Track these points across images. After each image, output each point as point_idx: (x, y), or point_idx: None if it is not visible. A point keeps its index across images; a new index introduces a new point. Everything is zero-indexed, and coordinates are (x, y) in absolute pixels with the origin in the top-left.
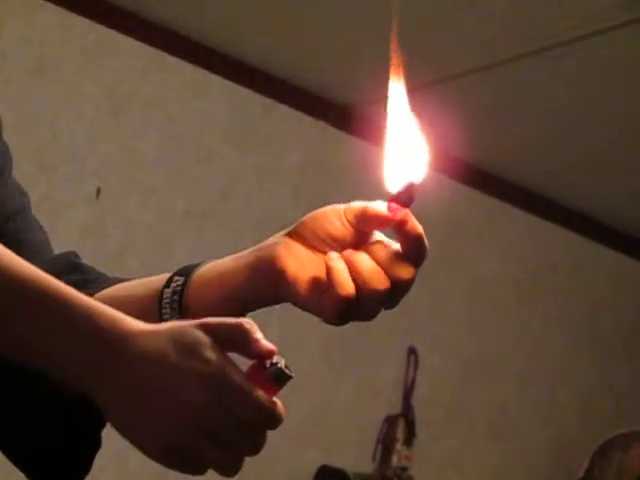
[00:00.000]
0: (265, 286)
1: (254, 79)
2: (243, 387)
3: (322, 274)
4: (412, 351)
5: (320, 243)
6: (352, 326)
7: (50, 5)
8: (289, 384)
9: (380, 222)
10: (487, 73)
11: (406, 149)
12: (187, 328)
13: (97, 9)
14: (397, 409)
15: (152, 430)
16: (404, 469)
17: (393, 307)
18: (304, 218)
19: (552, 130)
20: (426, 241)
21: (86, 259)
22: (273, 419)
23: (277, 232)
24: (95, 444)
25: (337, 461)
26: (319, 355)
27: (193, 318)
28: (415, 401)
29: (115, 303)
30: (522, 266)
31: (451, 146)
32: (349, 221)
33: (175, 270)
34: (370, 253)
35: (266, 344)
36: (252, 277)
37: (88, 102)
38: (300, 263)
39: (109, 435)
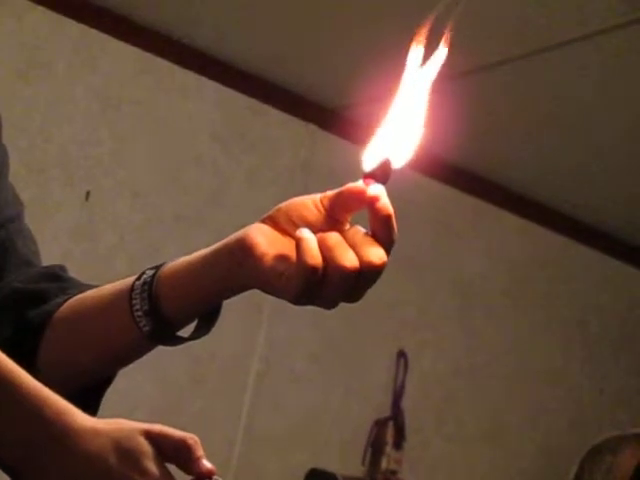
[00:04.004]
0: (232, 265)
1: (243, 82)
2: None
3: (290, 252)
4: (402, 354)
5: (293, 227)
6: (342, 329)
7: (40, 8)
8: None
9: (354, 198)
10: (473, 75)
11: (395, 131)
12: (132, 433)
13: (87, 12)
14: (387, 412)
15: None
16: (394, 472)
17: (356, 299)
18: (281, 205)
19: (540, 132)
20: (395, 224)
21: (76, 262)
22: None
23: None
24: None
25: (327, 464)
26: (308, 358)
27: (164, 308)
28: (405, 404)
29: (89, 301)
30: (511, 269)
31: (438, 148)
32: (324, 206)
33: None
34: (343, 235)
35: (206, 464)
36: (220, 256)
37: (78, 105)
38: (270, 241)
39: None
